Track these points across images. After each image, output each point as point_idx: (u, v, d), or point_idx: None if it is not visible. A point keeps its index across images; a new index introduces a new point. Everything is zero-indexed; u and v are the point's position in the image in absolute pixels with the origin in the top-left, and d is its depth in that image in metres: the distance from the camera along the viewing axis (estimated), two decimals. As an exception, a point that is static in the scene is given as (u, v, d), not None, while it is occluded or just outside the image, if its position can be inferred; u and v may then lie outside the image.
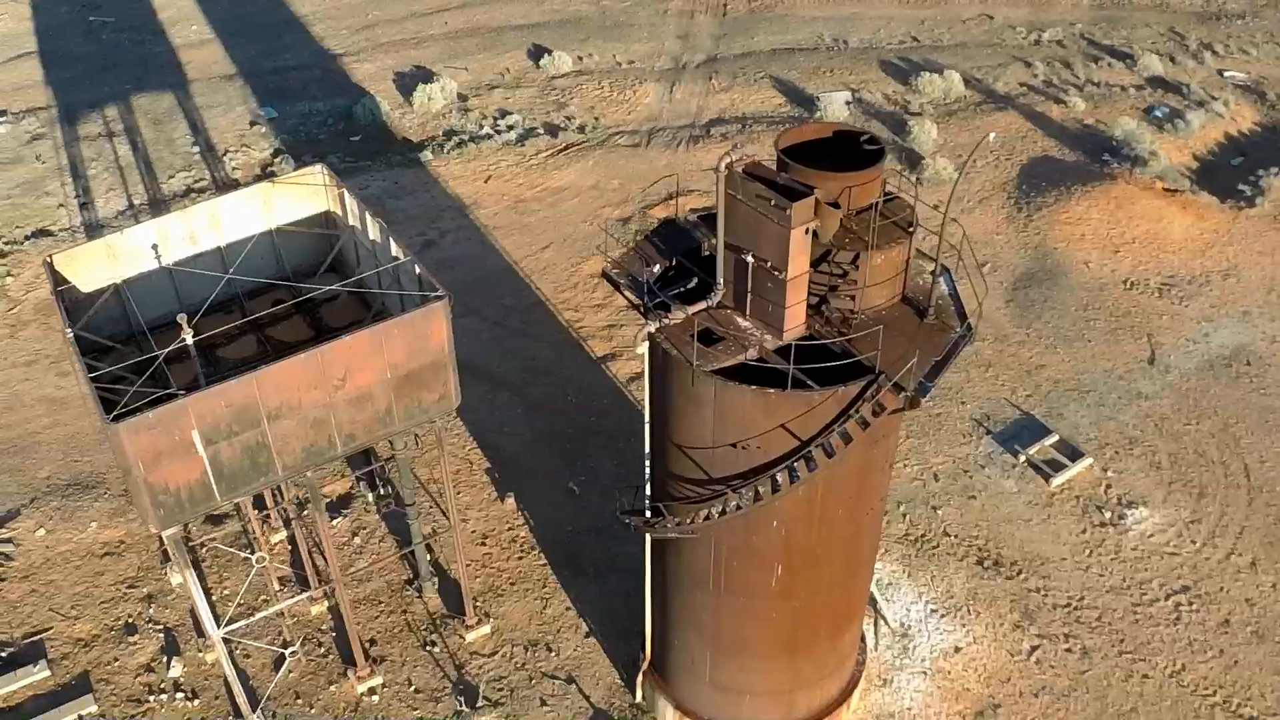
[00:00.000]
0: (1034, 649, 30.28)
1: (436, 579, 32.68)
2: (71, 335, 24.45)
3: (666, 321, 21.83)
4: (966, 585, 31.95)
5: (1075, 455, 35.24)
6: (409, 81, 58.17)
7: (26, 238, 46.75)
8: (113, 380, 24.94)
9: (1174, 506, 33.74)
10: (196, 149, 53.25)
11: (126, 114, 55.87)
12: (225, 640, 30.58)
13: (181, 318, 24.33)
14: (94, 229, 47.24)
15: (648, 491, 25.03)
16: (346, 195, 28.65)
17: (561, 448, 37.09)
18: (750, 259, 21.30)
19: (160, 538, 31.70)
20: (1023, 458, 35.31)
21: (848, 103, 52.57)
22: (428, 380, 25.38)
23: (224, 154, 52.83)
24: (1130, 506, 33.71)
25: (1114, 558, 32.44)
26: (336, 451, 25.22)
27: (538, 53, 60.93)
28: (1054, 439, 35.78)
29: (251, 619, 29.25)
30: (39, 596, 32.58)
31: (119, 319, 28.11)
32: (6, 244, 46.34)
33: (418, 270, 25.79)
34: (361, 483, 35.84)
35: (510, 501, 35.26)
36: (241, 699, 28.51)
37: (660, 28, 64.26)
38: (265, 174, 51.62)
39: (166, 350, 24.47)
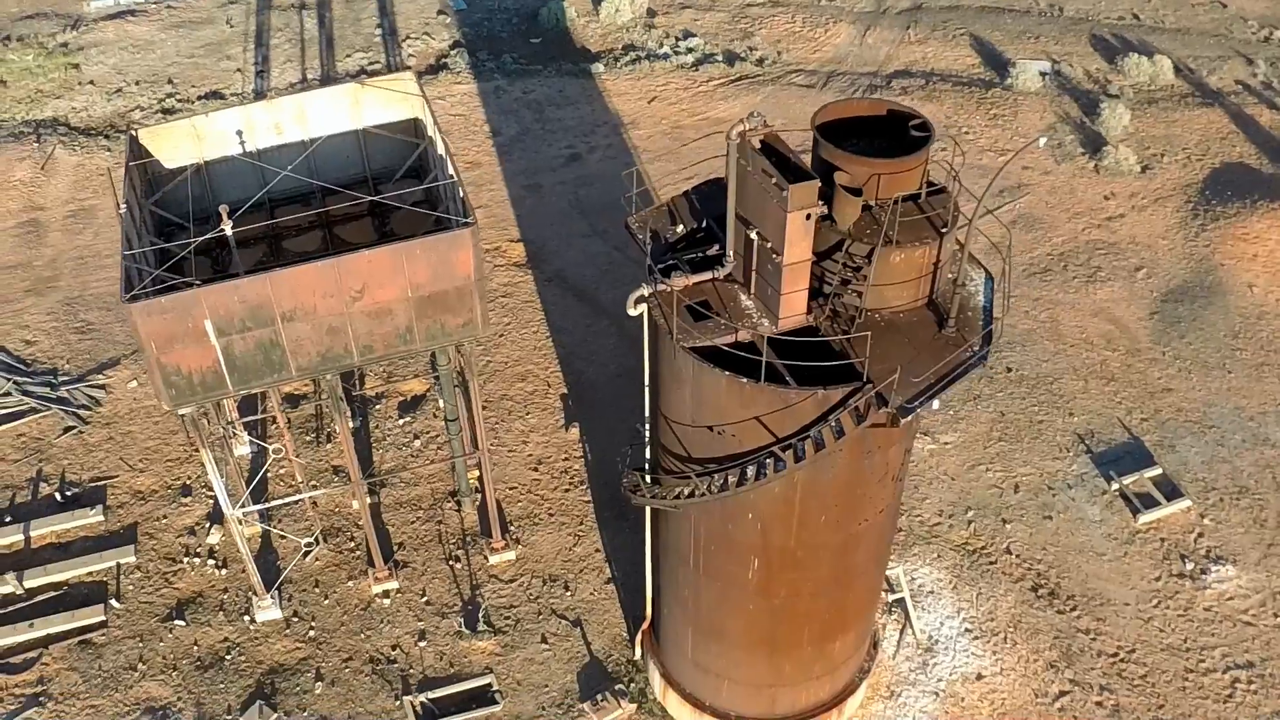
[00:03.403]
0: (1062, 694, 28.15)
1: (480, 495, 32.69)
2: (124, 210, 24.98)
3: (661, 286, 20.75)
4: (1012, 610, 29.90)
5: (1174, 494, 32.30)
6: (605, -12, 57.27)
7: (199, 98, 48.56)
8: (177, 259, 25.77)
9: (1266, 571, 30.59)
10: (379, 31, 54.03)
11: (323, -12, 57.17)
12: (262, 522, 31.77)
13: (223, 209, 24.57)
14: (262, 97, 48.63)
15: (646, 455, 24.19)
16: (425, 106, 28.36)
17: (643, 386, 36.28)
18: (755, 236, 19.98)
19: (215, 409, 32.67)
20: (1115, 486, 32.60)
21: (1043, 74, 48.93)
22: (451, 304, 25.02)
23: (404, 40, 53.43)
24: (1217, 562, 30.75)
25: (1182, 614, 29.72)
26: (353, 360, 25.26)
27: (740, -25, 58.98)
28: (1156, 472, 32.86)
29: (268, 504, 30.02)
30: (114, 444, 34.23)
31: (198, 198, 28.67)
32: (179, 101, 48.26)
33: (460, 194, 25.38)
34: (437, 386, 36.04)
35: (574, 432, 34.90)
36: (255, 578, 29.35)
37: (874, -34, 61.15)
38: (439, 65, 52.08)
39: (201, 239, 24.90)
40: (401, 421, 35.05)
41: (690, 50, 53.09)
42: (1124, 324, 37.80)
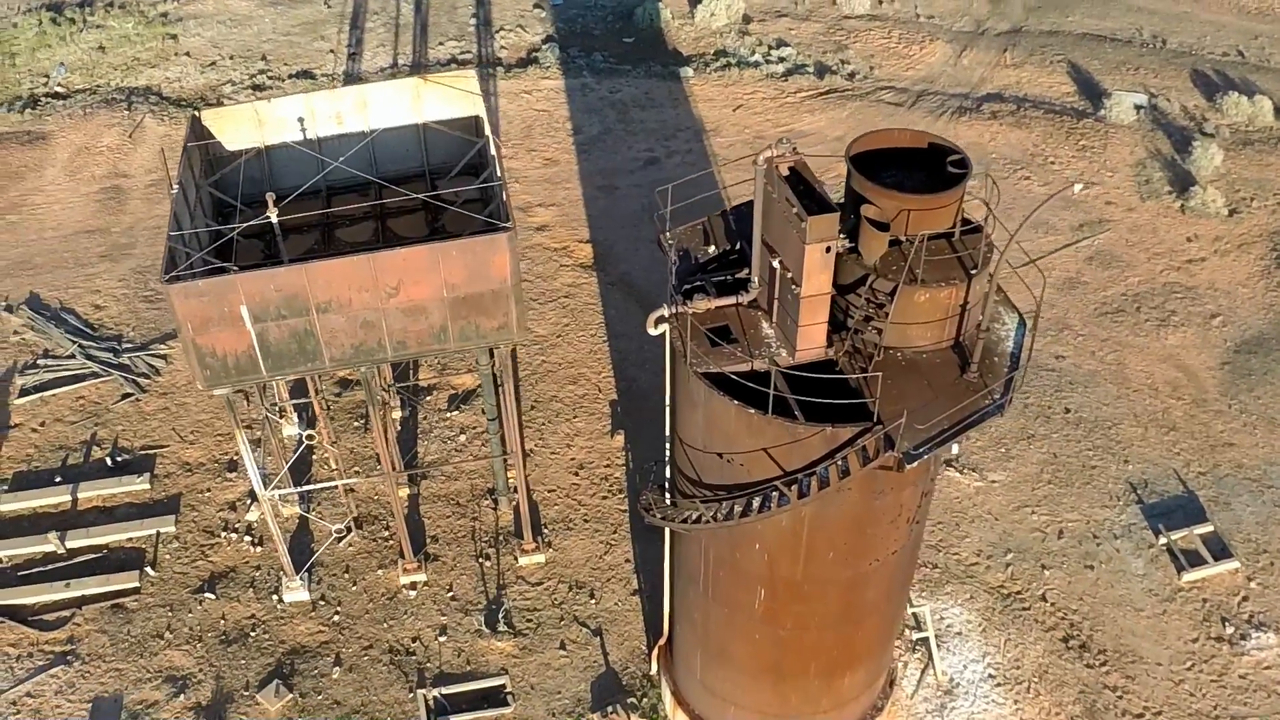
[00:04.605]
0: (1082, 749, 27.49)
1: (518, 497, 32.79)
2: (175, 190, 25.51)
3: (680, 308, 20.59)
4: (1040, 660, 29.16)
5: (1222, 553, 31.22)
6: (701, -8, 57.04)
7: (289, 76, 49.41)
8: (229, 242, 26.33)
9: (1311, 642, 29.50)
10: (474, 21, 54.44)
11: (421, -25, 57.78)
12: (300, 504, 32.22)
13: (270, 196, 24.92)
14: (352, 80, 49.38)
15: (666, 474, 24.07)
16: (482, 105, 28.50)
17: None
18: (778, 265, 19.70)
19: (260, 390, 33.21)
20: (1163, 540, 31.62)
21: (1138, 106, 47.58)
22: (487, 306, 25.13)
23: (498, 31, 53.76)
24: (1259, 628, 29.64)
25: (1216, 679, 28.73)
26: (386, 355, 25.50)
27: (842, -13, 58.26)
28: (1206, 529, 31.79)
29: (305, 488, 30.42)
30: (168, 415, 35.01)
31: (257, 182, 29.10)
32: (270, 78, 49.18)
33: (504, 197, 25.45)
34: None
35: (619, 439, 34.85)
36: (285, 558, 29.80)
37: (979, -15, 60.01)
38: (529, 58, 52.33)
39: (246, 224, 25.33)
40: (450, 415, 35.33)
41: (782, 59, 52.60)
42: (1193, 372, 36.63)
